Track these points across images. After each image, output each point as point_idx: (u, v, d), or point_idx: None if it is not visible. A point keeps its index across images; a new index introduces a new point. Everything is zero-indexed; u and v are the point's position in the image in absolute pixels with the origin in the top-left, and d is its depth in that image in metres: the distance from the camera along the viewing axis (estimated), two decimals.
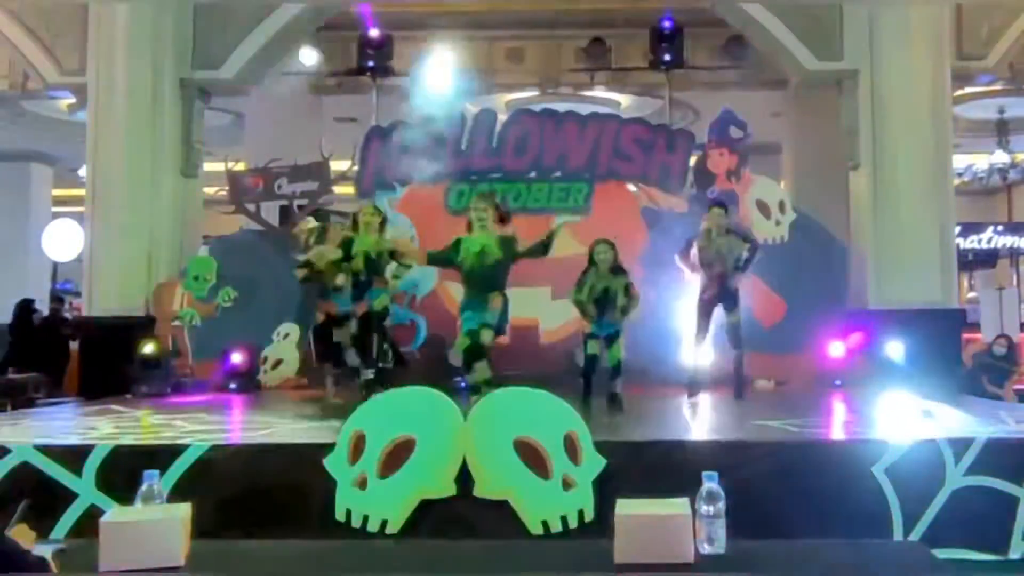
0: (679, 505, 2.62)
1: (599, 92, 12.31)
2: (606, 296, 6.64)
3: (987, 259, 16.13)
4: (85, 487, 4.48)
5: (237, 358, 8.31)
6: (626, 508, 2.65)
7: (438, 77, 9.45)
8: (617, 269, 6.75)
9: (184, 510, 2.70)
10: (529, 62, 11.80)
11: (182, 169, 9.49)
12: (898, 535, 4.43)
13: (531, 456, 4.22)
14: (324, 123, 12.46)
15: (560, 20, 11.15)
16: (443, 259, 6.82)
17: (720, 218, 7.23)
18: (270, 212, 9.66)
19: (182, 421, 5.82)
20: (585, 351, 6.80)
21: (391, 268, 7.23)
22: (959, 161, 12.82)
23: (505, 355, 8.07)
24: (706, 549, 2.56)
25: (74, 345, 9.66)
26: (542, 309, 8.87)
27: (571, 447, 4.26)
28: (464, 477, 4.30)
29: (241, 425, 6.26)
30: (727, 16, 9.95)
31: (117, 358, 8.21)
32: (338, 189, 9.57)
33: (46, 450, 4.58)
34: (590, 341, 6.73)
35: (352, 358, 7.12)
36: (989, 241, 15.81)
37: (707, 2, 9.84)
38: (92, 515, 4.05)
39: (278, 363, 8.72)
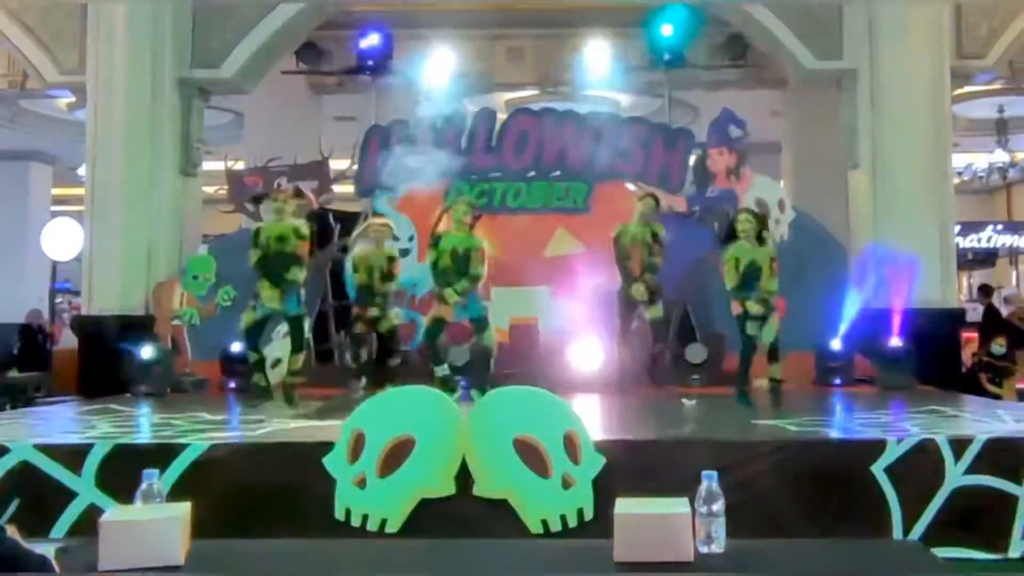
0: (678, 504, 2.62)
1: (599, 91, 12.30)
2: (751, 270, 6.34)
3: (987, 258, 16.13)
4: (84, 486, 4.48)
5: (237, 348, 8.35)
6: (626, 507, 2.65)
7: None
8: (761, 239, 6.45)
9: (184, 509, 2.69)
10: (529, 61, 11.79)
11: (181, 168, 9.47)
12: (898, 534, 4.43)
13: (531, 455, 4.22)
14: (323, 122, 12.46)
15: (560, 19, 11.14)
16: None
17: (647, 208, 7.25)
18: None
19: (181, 420, 5.82)
20: (743, 332, 6.45)
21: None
22: (959, 160, 12.83)
23: (505, 354, 8.10)
24: (705, 548, 2.56)
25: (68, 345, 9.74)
26: (541, 308, 8.88)
27: (571, 446, 4.27)
28: (464, 476, 4.31)
29: (241, 424, 6.26)
30: (727, 15, 9.94)
31: (116, 357, 8.21)
32: (337, 188, 9.57)
33: (45, 449, 4.59)
34: (748, 322, 6.40)
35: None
36: (988, 240, 15.80)
37: (707, 1, 9.84)
38: (91, 514, 4.06)
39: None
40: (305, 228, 6.78)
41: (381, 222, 7.85)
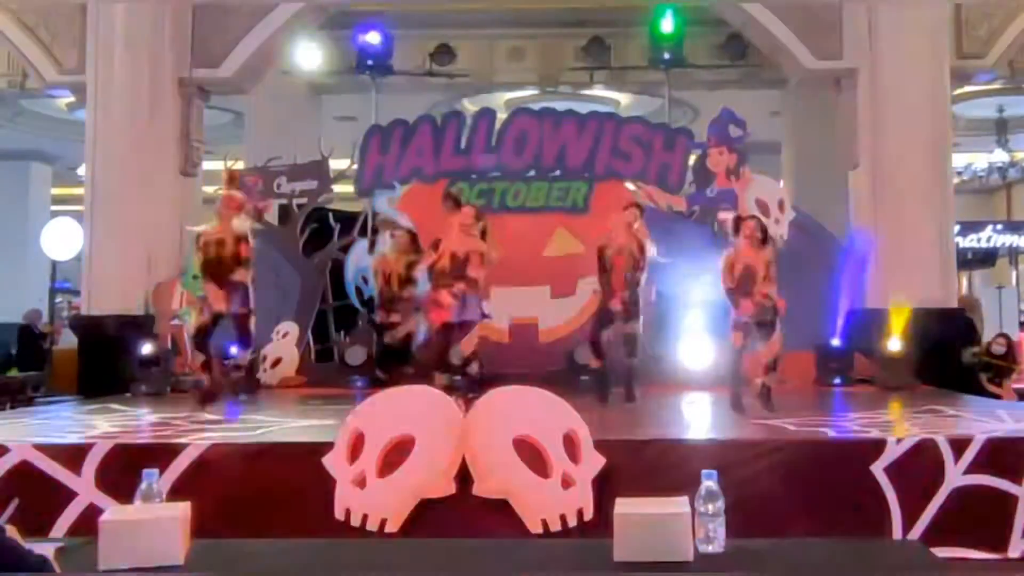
0: (678, 504, 2.61)
1: (599, 91, 12.32)
2: (747, 274, 6.11)
3: (986, 258, 16.13)
4: (84, 486, 4.48)
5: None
6: (625, 507, 2.65)
7: None
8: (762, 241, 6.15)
9: (183, 509, 2.69)
10: (529, 61, 11.80)
11: (181, 168, 9.47)
12: (897, 534, 4.43)
13: (530, 455, 4.22)
14: (323, 122, 12.46)
15: (560, 19, 11.15)
16: None
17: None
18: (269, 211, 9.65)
19: (181, 420, 5.82)
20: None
21: None
22: (958, 160, 12.82)
23: (504, 354, 8.11)
24: (705, 548, 2.56)
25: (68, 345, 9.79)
26: (541, 308, 8.87)
27: (570, 446, 4.27)
28: (464, 476, 4.31)
29: (240, 424, 6.25)
30: (727, 15, 9.94)
31: (116, 357, 8.20)
32: (337, 188, 9.57)
33: (45, 449, 4.59)
34: (735, 332, 6.21)
35: None
36: (988, 240, 15.79)
37: (707, 1, 9.85)
38: (91, 514, 4.05)
39: (277, 362, 8.72)
40: (246, 230, 6.86)
41: (403, 230, 8.26)
